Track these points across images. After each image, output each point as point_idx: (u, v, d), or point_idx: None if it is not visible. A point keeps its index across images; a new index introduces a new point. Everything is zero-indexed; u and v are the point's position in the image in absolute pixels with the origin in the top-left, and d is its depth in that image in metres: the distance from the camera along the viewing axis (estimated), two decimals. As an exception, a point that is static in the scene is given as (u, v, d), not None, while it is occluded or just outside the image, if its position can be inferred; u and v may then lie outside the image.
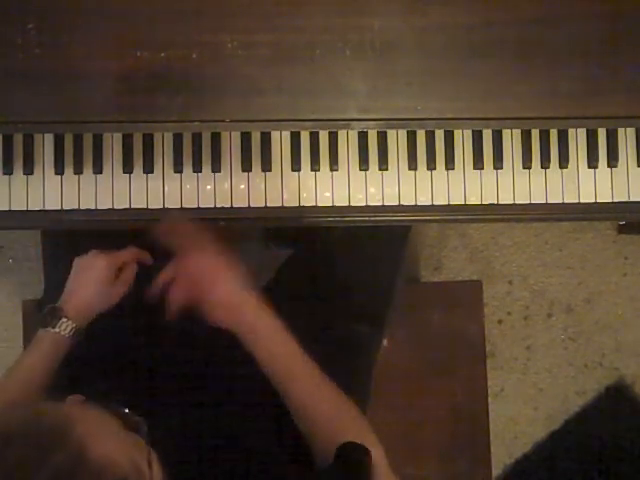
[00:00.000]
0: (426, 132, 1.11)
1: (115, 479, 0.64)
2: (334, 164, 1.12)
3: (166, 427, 0.83)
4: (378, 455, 0.97)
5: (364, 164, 1.11)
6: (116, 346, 1.16)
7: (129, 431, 0.73)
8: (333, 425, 1.00)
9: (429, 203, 1.12)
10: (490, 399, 1.47)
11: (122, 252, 1.12)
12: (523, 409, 1.91)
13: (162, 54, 1.00)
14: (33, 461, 0.63)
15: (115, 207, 1.12)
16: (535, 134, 1.12)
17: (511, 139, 1.12)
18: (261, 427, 1.04)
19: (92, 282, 1.10)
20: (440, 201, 1.12)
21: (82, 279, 1.10)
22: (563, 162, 1.12)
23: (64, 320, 1.06)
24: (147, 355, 1.14)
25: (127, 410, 0.75)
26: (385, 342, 1.35)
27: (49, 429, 0.66)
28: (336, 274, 1.25)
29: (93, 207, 1.12)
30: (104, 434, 0.69)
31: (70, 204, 1.12)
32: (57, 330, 1.05)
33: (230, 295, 1.01)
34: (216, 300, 1.01)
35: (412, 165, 1.11)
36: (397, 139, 1.12)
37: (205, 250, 1.02)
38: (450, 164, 1.11)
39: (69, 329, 1.06)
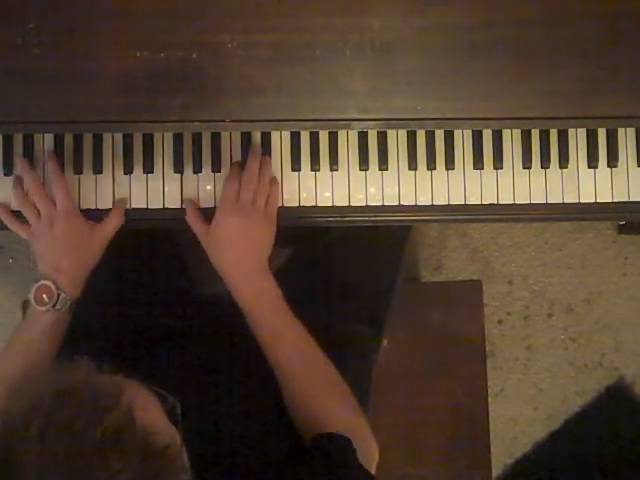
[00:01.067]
0: (426, 132, 1.11)
1: (160, 446, 0.65)
2: (334, 164, 1.12)
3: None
4: (365, 436, 0.97)
5: (364, 164, 1.11)
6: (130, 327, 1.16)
7: (165, 414, 0.75)
8: (321, 408, 1.01)
9: (429, 203, 1.12)
10: (490, 399, 1.47)
11: (58, 191, 1.06)
12: (523, 409, 1.92)
13: (162, 54, 1.00)
14: (86, 420, 0.63)
15: (113, 205, 1.12)
16: (535, 134, 1.12)
17: (511, 139, 1.12)
18: (263, 423, 1.05)
19: (70, 243, 1.06)
20: (440, 201, 1.12)
21: (55, 244, 1.06)
22: (563, 162, 1.12)
23: (62, 296, 1.04)
24: (158, 340, 1.15)
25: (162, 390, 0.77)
26: (385, 342, 1.35)
27: (101, 391, 0.67)
28: (336, 274, 1.25)
29: (93, 207, 1.12)
30: (148, 404, 0.71)
31: (70, 204, 1.12)
32: (58, 307, 1.04)
33: (257, 263, 1.05)
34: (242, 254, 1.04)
35: (412, 165, 1.11)
36: (397, 139, 1.12)
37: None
38: (450, 164, 1.11)
39: (68, 304, 1.05)
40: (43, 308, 1.03)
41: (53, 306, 1.03)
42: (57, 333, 1.05)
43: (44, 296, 1.04)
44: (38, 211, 1.07)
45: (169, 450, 0.66)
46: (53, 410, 0.64)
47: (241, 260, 1.05)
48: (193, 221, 1.08)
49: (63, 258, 1.05)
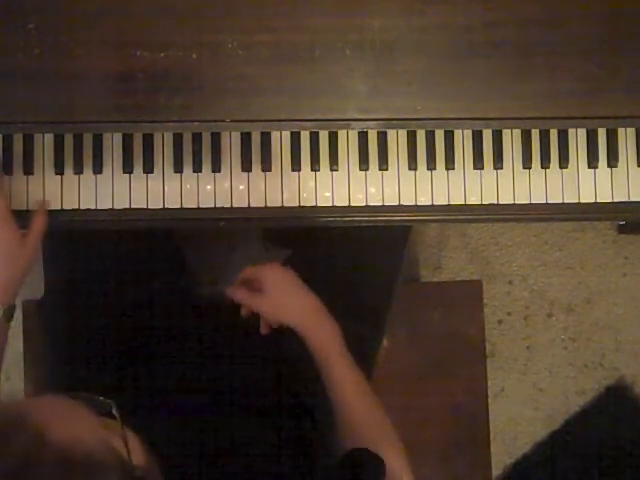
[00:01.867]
0: (426, 132, 1.11)
1: (82, 456, 0.63)
2: (334, 164, 1.12)
3: (166, 421, 0.82)
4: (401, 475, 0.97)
5: (364, 164, 1.11)
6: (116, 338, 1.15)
7: (99, 415, 0.71)
8: (367, 435, 1.01)
9: (429, 203, 1.12)
10: (490, 399, 1.47)
11: None
12: (523, 409, 1.92)
13: (162, 54, 1.00)
14: None
15: (115, 207, 1.12)
16: (535, 134, 1.12)
17: (511, 139, 1.12)
18: (264, 424, 1.05)
19: (0, 253, 1.02)
20: (440, 201, 1.12)
21: None
22: (563, 162, 1.12)
23: None
24: (145, 346, 1.14)
25: (99, 397, 0.73)
26: (385, 342, 1.35)
27: (4, 421, 0.64)
28: (336, 274, 1.25)
29: (93, 207, 1.11)
30: (64, 417, 0.68)
31: (70, 204, 1.12)
32: None
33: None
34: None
35: (412, 165, 1.11)
36: (397, 139, 1.12)
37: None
38: (450, 164, 1.11)
39: (1, 312, 1.01)
40: None
41: None
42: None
43: None
44: None
45: (95, 457, 0.64)
46: None
47: (312, 308, 1.08)
48: (243, 298, 1.09)
49: None
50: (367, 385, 1.05)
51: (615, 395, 1.91)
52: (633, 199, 1.12)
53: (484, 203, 1.12)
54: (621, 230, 1.88)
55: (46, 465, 0.61)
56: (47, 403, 0.69)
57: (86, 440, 0.65)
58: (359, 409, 1.03)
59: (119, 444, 0.68)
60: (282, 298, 1.07)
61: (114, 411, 0.72)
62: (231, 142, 1.12)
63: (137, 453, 0.70)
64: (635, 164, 1.12)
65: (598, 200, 1.12)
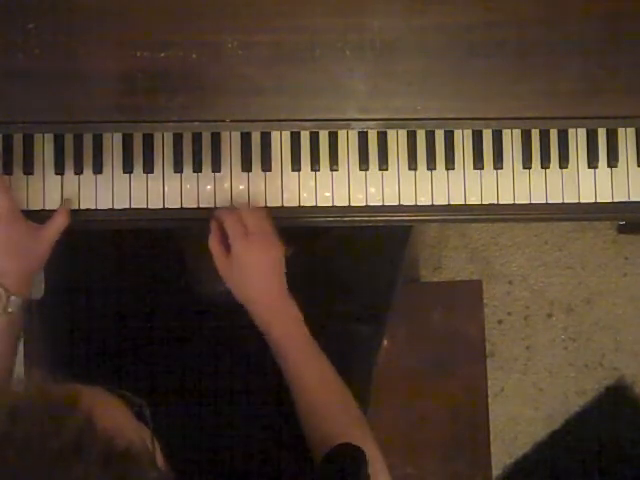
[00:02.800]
0: (426, 132, 1.11)
1: (124, 447, 0.64)
2: (334, 164, 1.12)
3: (167, 422, 0.82)
4: (375, 459, 0.97)
5: (364, 164, 1.11)
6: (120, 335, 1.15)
7: (132, 415, 0.73)
8: (334, 423, 1.00)
9: (429, 203, 1.12)
10: (490, 399, 1.47)
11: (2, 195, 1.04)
12: (523, 409, 1.92)
13: (162, 54, 1.00)
14: (43, 434, 0.62)
15: (115, 207, 1.12)
16: (535, 134, 1.12)
17: (511, 139, 1.12)
18: (263, 424, 1.05)
19: (12, 246, 1.04)
20: (440, 201, 1.12)
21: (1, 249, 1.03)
22: (563, 162, 1.12)
23: (13, 299, 1.02)
24: (150, 344, 1.14)
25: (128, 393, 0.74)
26: (385, 342, 1.35)
27: (56, 402, 0.65)
28: (336, 274, 1.25)
29: (93, 207, 1.11)
30: (107, 407, 0.69)
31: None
32: (10, 310, 1.02)
33: (279, 289, 1.05)
34: (264, 287, 1.04)
35: (412, 165, 1.11)
36: (397, 139, 1.12)
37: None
38: (450, 164, 1.11)
39: (19, 304, 1.03)
40: None
41: (4, 309, 1.02)
42: (13, 334, 1.04)
43: None
44: None
45: (133, 450, 0.65)
46: (8, 429, 0.63)
47: (268, 289, 1.05)
48: (215, 248, 1.06)
49: (6, 262, 1.03)
50: (332, 372, 1.04)
51: (615, 395, 1.91)
52: (633, 199, 1.12)
53: (484, 203, 1.12)
54: (621, 230, 1.88)
55: (94, 451, 0.62)
56: (92, 391, 0.70)
57: (128, 433, 0.66)
58: (322, 397, 1.03)
59: (150, 443, 0.70)
60: (246, 271, 1.05)
61: (145, 412, 0.73)
62: (231, 142, 1.12)
63: (159, 458, 0.71)
64: (635, 164, 1.12)
65: (598, 200, 1.12)
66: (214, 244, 1.06)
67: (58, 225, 1.07)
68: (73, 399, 0.66)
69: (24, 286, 1.05)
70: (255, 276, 1.05)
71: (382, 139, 1.12)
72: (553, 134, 1.12)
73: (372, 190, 1.12)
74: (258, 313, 1.05)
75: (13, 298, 1.03)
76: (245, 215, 1.05)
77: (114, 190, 1.12)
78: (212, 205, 1.11)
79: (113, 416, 0.68)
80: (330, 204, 1.12)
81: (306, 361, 1.04)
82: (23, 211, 1.09)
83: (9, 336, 1.04)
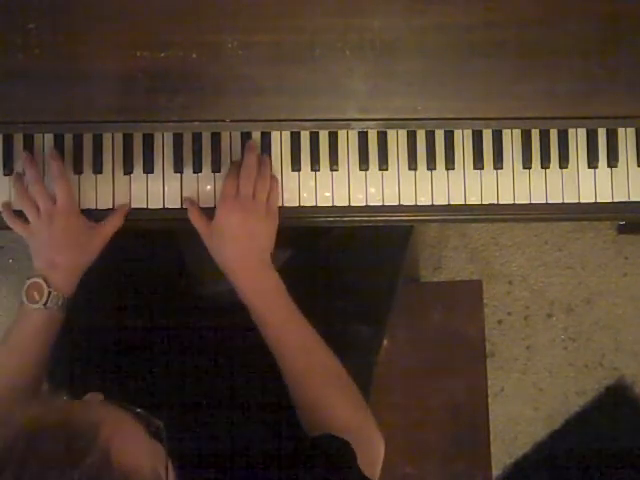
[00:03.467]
0: (426, 132, 1.11)
1: None
2: (334, 164, 1.12)
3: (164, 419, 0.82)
4: (369, 438, 0.97)
5: (364, 164, 1.11)
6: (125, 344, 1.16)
7: (149, 435, 0.72)
8: (320, 395, 1.01)
9: (429, 203, 1.12)
10: (490, 399, 1.47)
11: (61, 185, 1.05)
12: (523, 409, 1.92)
13: (162, 54, 1.00)
14: (60, 468, 0.61)
15: (115, 207, 1.12)
16: (535, 134, 1.12)
17: (511, 139, 1.12)
18: (264, 424, 1.05)
19: (67, 239, 1.05)
20: (440, 201, 1.12)
21: (52, 241, 1.04)
22: (563, 162, 1.12)
23: (54, 294, 1.02)
24: (155, 355, 1.14)
25: (147, 413, 0.74)
26: (385, 342, 1.35)
27: (76, 432, 0.64)
28: (336, 274, 1.25)
29: (93, 207, 1.11)
30: (128, 438, 0.68)
31: (70, 204, 1.12)
32: (49, 306, 1.02)
33: (258, 258, 1.05)
34: (245, 250, 1.04)
35: (412, 165, 1.11)
36: (397, 139, 1.12)
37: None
38: (450, 164, 1.11)
39: (60, 301, 1.03)
40: (34, 306, 1.02)
41: (44, 304, 1.02)
42: (50, 332, 1.04)
43: (35, 294, 1.02)
44: (38, 208, 1.06)
45: None
46: (26, 456, 0.62)
47: (243, 256, 1.05)
48: (195, 219, 1.08)
49: (58, 254, 1.04)
50: (316, 342, 1.04)
51: (615, 395, 1.91)
52: (633, 199, 1.12)
53: (484, 203, 1.12)
54: (621, 230, 1.88)
55: None
56: (113, 417, 0.69)
57: (143, 469, 0.66)
58: (304, 365, 1.03)
59: (162, 471, 0.69)
60: (224, 235, 1.05)
61: (162, 435, 0.72)
62: (231, 142, 1.12)
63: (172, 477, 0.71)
64: (635, 164, 1.12)
65: (598, 200, 1.12)
66: (195, 217, 1.07)
67: (114, 225, 1.08)
68: (93, 430, 0.65)
69: (70, 284, 1.05)
70: (231, 240, 1.04)
71: (382, 139, 1.12)
72: (553, 134, 1.12)
73: (372, 190, 1.12)
74: (235, 280, 1.05)
75: (54, 294, 1.03)
76: (245, 181, 1.06)
77: (114, 190, 1.12)
78: (212, 205, 1.11)
79: (131, 449, 0.67)
80: (330, 204, 1.12)
81: (286, 330, 1.04)
82: (20, 210, 1.09)
83: (45, 333, 1.03)
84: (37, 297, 1.02)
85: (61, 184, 1.06)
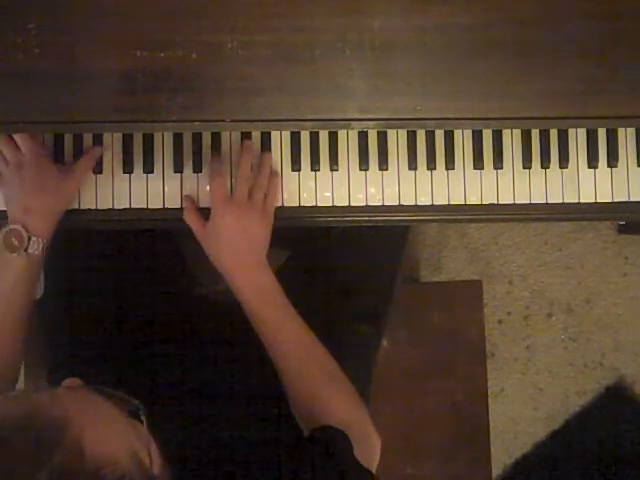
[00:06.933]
0: (426, 132, 1.11)
1: (114, 477, 0.62)
2: (334, 164, 1.12)
3: (164, 418, 0.82)
4: (364, 435, 0.97)
5: (364, 164, 1.11)
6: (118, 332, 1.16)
7: (128, 417, 0.71)
8: (317, 393, 1.01)
9: (429, 203, 1.12)
10: (490, 399, 1.47)
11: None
12: (523, 409, 1.92)
13: (162, 54, 1.00)
14: (29, 466, 0.60)
15: (115, 207, 1.12)
16: (535, 134, 1.12)
17: (511, 139, 1.12)
18: (263, 423, 1.05)
19: (39, 183, 1.05)
20: (440, 201, 1.12)
21: (23, 187, 1.04)
22: (563, 162, 1.12)
23: (34, 239, 1.02)
24: (148, 343, 1.14)
25: (124, 394, 0.72)
26: (385, 342, 1.35)
27: (45, 425, 0.63)
28: (336, 274, 1.25)
29: (93, 207, 1.12)
30: (102, 426, 0.66)
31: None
32: (30, 251, 1.02)
33: (253, 259, 1.05)
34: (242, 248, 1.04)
35: (412, 165, 1.11)
36: (397, 139, 1.12)
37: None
38: (450, 164, 1.11)
39: (41, 246, 1.03)
40: (15, 253, 1.01)
41: (25, 250, 1.01)
42: (31, 278, 1.04)
43: (14, 240, 1.01)
44: (6, 160, 1.07)
45: (125, 477, 0.63)
46: None
47: (239, 256, 1.05)
48: (191, 220, 1.08)
49: (31, 198, 1.04)
50: (311, 340, 1.04)
51: (615, 395, 1.91)
52: (633, 199, 1.12)
53: (484, 203, 1.12)
54: (621, 230, 1.89)
55: None
56: (86, 405, 0.68)
57: (119, 459, 0.64)
58: (300, 364, 1.03)
59: (144, 454, 0.68)
60: (218, 235, 1.06)
61: (142, 416, 0.71)
62: (231, 142, 1.12)
63: (156, 462, 0.70)
64: (635, 164, 1.12)
65: (598, 200, 1.12)
66: (190, 217, 1.08)
67: (85, 166, 1.08)
68: (63, 422, 0.63)
69: (47, 228, 1.04)
70: (226, 241, 1.05)
71: (382, 139, 1.12)
72: (553, 134, 1.12)
73: (372, 190, 1.12)
74: (231, 279, 1.05)
75: (34, 239, 1.02)
76: (239, 182, 1.06)
77: (114, 190, 1.12)
78: (212, 205, 1.11)
79: (105, 438, 0.65)
80: (330, 204, 1.12)
81: (282, 328, 1.04)
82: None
83: (26, 280, 1.03)
84: (17, 244, 1.01)
85: (25, 137, 1.07)
